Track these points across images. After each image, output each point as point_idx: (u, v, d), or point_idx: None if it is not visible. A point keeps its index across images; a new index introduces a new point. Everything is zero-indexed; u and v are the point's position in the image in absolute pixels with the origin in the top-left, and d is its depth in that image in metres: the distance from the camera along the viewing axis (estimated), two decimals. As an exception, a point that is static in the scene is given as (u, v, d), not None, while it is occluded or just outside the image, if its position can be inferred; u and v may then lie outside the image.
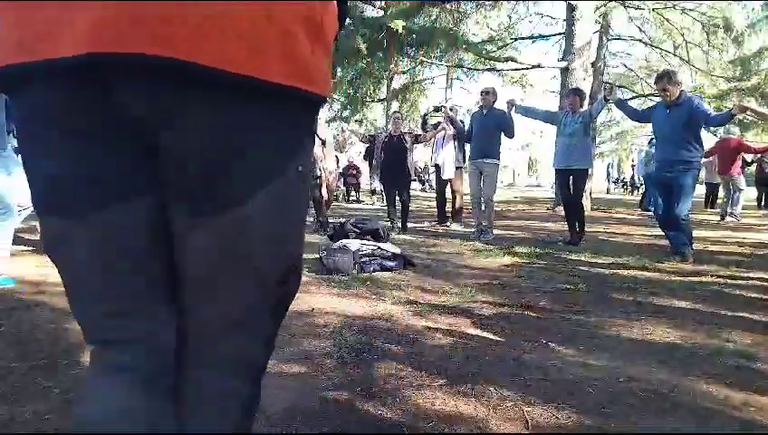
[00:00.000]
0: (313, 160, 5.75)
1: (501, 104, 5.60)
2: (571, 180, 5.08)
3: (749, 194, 11.19)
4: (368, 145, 6.54)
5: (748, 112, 4.16)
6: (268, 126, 0.62)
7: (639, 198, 12.31)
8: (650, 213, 9.51)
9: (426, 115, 6.99)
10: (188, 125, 0.58)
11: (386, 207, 6.76)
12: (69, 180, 0.61)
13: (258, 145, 0.62)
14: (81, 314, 0.70)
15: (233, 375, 0.72)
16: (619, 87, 14.94)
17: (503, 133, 5.50)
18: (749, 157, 9.68)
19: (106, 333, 0.69)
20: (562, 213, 7.23)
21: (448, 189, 6.92)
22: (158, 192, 0.64)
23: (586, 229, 5.25)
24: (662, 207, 4.25)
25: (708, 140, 4.46)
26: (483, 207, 5.63)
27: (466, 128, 6.11)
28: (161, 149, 0.61)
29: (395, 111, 7.33)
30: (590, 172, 5.42)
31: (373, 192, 13.85)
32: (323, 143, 5.86)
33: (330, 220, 6.02)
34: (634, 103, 16.90)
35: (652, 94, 13.05)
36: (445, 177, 6.66)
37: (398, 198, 6.33)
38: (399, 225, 6.21)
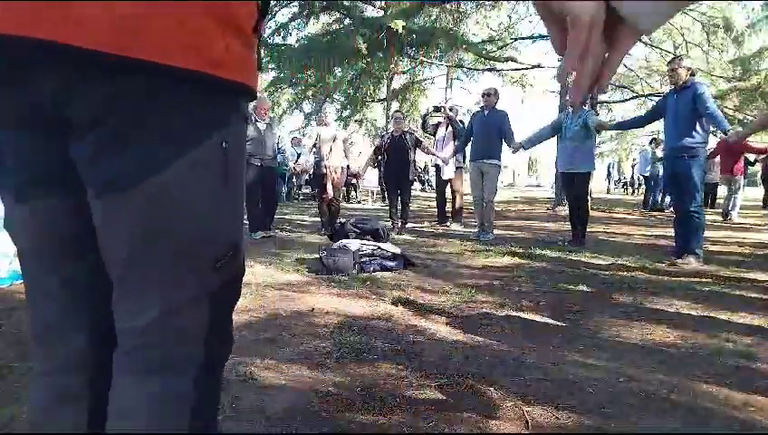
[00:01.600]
0: (319, 159, 5.77)
1: (502, 105, 5.62)
2: (574, 182, 5.09)
3: (755, 194, 11.21)
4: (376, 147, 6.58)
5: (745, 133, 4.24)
6: (176, 102, 0.63)
7: (641, 198, 12.31)
8: (655, 213, 9.57)
9: (426, 115, 6.99)
10: (87, 102, 0.60)
11: (385, 207, 6.76)
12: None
13: (167, 117, 0.63)
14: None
15: (167, 375, 0.68)
16: (619, 87, 14.97)
17: (502, 138, 5.50)
18: (752, 157, 9.68)
19: (34, 327, 0.72)
20: (562, 213, 7.25)
21: (448, 190, 6.93)
22: (77, 185, 0.66)
23: (586, 230, 5.24)
24: (676, 203, 4.24)
25: (709, 140, 4.45)
26: (483, 207, 5.64)
27: (466, 127, 6.11)
28: (70, 129, 0.62)
29: (396, 111, 7.33)
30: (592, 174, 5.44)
31: (373, 192, 13.85)
32: (333, 141, 5.86)
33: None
34: (633, 103, 16.94)
35: (652, 94, 13.07)
36: (445, 177, 6.67)
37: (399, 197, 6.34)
38: (399, 224, 6.21)
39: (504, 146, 5.60)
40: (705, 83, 4.39)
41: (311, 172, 5.99)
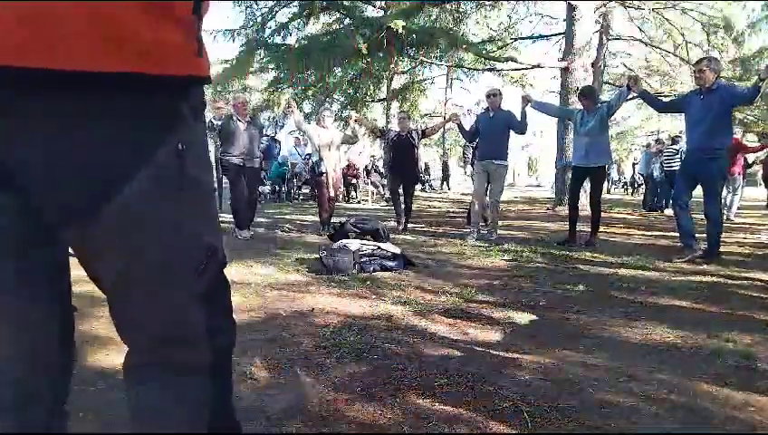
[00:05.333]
0: (320, 159, 5.77)
1: (505, 105, 5.63)
2: (588, 179, 5.08)
3: (756, 194, 11.20)
4: (379, 138, 6.55)
5: None
6: (106, 113, 0.58)
7: (641, 198, 12.30)
8: (655, 213, 9.56)
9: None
10: (22, 131, 0.55)
11: (385, 207, 6.75)
12: None
13: (105, 133, 0.57)
14: None
15: (181, 379, 0.70)
16: (619, 87, 14.96)
17: (514, 132, 5.50)
18: (750, 157, 9.68)
19: None
20: (563, 213, 7.24)
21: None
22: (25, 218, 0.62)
23: (585, 230, 5.23)
24: (686, 202, 4.23)
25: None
26: (487, 208, 5.65)
27: (471, 127, 6.11)
28: (13, 165, 0.58)
29: (401, 111, 7.34)
30: (607, 169, 5.41)
31: (373, 193, 13.85)
32: (331, 143, 5.86)
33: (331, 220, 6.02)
34: (632, 104, 16.94)
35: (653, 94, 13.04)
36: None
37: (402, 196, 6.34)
38: (406, 225, 6.22)
39: (509, 145, 5.61)
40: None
41: (308, 174, 5.99)
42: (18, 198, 0.61)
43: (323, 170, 5.79)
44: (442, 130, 18.93)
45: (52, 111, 0.55)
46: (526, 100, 5.40)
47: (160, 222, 0.64)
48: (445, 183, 20.96)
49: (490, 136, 5.55)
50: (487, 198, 5.71)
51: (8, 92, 0.54)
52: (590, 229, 5.15)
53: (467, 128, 6.10)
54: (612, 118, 5.65)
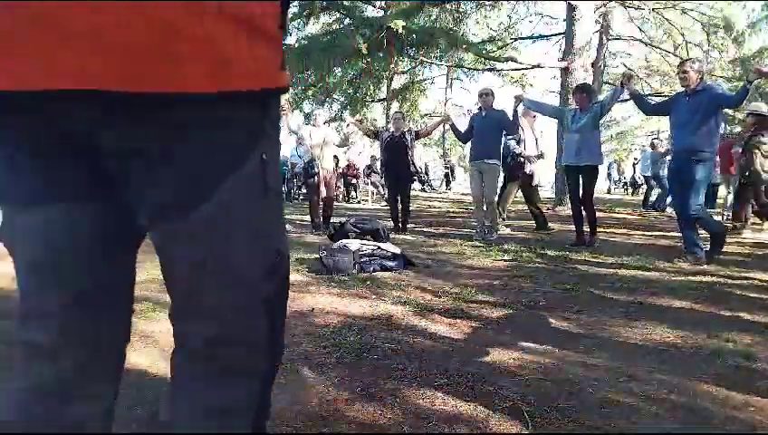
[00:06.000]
0: (312, 160, 5.78)
1: (499, 104, 5.62)
2: (580, 179, 5.04)
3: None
4: (374, 139, 6.55)
5: (764, 77, 4.00)
6: (208, 126, 0.62)
7: (641, 198, 12.29)
8: (655, 213, 9.56)
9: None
10: (127, 137, 0.61)
11: (385, 207, 6.75)
12: (10, 178, 0.67)
13: (201, 144, 0.62)
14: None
15: (233, 382, 0.71)
16: (613, 86, 14.97)
17: (505, 132, 5.50)
18: None
19: (20, 333, 0.70)
20: (563, 213, 7.24)
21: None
22: (109, 208, 0.67)
23: (586, 230, 5.23)
24: (680, 205, 4.22)
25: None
26: (485, 208, 5.65)
27: (466, 128, 6.11)
28: (110, 162, 0.64)
29: (396, 112, 7.33)
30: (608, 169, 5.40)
31: (373, 193, 13.85)
32: (324, 142, 5.87)
33: (330, 220, 6.02)
34: (632, 104, 16.93)
35: (652, 95, 13.06)
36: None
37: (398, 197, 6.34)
38: (401, 225, 6.22)
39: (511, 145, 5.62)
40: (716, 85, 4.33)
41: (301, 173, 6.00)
42: (112, 203, 0.68)
43: (316, 171, 5.79)
44: (441, 130, 18.97)
45: (160, 124, 0.60)
46: (518, 99, 5.40)
47: (242, 224, 0.68)
48: (445, 184, 20.98)
49: (482, 136, 5.55)
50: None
51: (122, 112, 0.59)
52: (588, 230, 5.13)
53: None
54: (612, 118, 5.64)
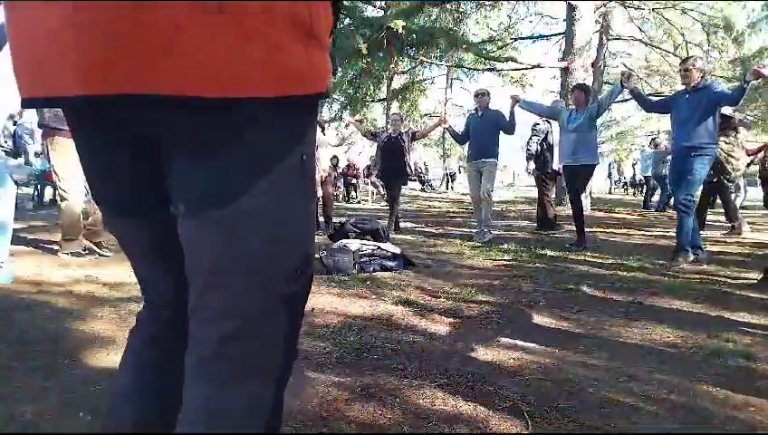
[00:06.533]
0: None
1: (497, 105, 5.65)
2: (579, 178, 5.03)
3: (756, 194, 11.19)
4: (372, 140, 6.56)
5: (762, 78, 3.92)
6: (260, 126, 0.65)
7: (642, 197, 12.29)
8: (655, 212, 9.56)
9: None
10: (179, 135, 0.64)
11: (385, 208, 6.74)
12: (98, 180, 0.78)
13: (250, 142, 0.65)
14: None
15: (247, 382, 0.71)
16: (612, 85, 14.97)
17: (502, 132, 5.51)
18: (748, 159, 9.66)
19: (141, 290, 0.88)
20: (563, 213, 7.24)
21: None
22: (166, 202, 0.72)
23: (586, 230, 5.22)
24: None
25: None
26: (482, 206, 5.65)
27: (463, 129, 6.10)
28: (162, 155, 0.68)
29: (394, 113, 7.33)
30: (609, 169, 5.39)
31: (373, 193, 13.85)
32: (319, 142, 5.87)
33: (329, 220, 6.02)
34: (632, 104, 16.91)
35: (651, 95, 13.05)
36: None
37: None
38: (403, 224, 6.21)
39: (504, 145, 5.61)
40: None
41: None
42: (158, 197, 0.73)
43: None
44: (441, 130, 18.95)
45: (215, 123, 0.63)
46: (515, 100, 5.41)
47: (278, 222, 0.69)
48: (447, 185, 20.99)
49: (479, 136, 5.57)
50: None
51: (184, 114, 0.62)
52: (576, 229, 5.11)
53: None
54: (612, 118, 5.65)
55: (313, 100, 0.71)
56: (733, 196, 8.49)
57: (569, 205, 5.66)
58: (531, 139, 6.19)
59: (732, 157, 5.97)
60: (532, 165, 6.23)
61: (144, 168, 0.72)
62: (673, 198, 4.77)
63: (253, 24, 0.60)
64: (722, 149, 5.84)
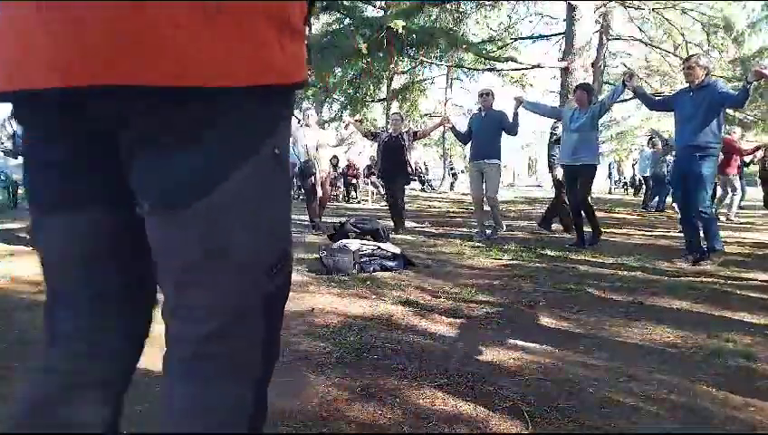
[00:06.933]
0: (307, 160, 5.77)
1: (498, 105, 5.65)
2: (578, 178, 5.01)
3: (755, 194, 11.20)
4: (372, 140, 6.56)
5: (763, 79, 3.92)
6: (229, 117, 0.63)
7: (641, 198, 12.29)
8: (655, 212, 9.56)
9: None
10: (142, 126, 0.62)
11: (384, 206, 6.75)
12: (41, 179, 0.70)
13: (219, 134, 0.62)
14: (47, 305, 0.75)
15: (227, 382, 0.69)
16: (614, 85, 14.97)
17: (505, 132, 5.51)
18: (747, 158, 9.67)
19: (50, 327, 0.74)
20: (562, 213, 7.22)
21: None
22: (123, 201, 0.68)
23: (585, 230, 5.22)
24: (682, 203, 4.19)
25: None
26: (485, 208, 5.65)
27: (466, 129, 6.11)
28: (123, 150, 0.65)
29: (394, 113, 7.34)
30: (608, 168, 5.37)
31: (373, 193, 13.85)
32: (318, 142, 5.87)
33: (329, 220, 6.02)
34: (632, 104, 16.95)
35: (651, 95, 13.05)
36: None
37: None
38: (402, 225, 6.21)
39: (504, 146, 5.61)
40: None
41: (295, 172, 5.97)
42: (117, 206, 0.69)
43: (313, 171, 5.79)
44: (442, 130, 18.96)
45: (182, 115, 0.61)
46: (518, 101, 5.40)
47: (249, 217, 0.66)
48: (450, 185, 21.00)
49: (482, 136, 5.57)
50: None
51: (147, 105, 0.60)
52: (591, 230, 5.12)
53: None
54: (612, 118, 5.64)
55: (288, 91, 0.69)
56: (730, 195, 8.50)
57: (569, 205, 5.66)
58: (552, 144, 6.09)
59: None
60: (560, 171, 5.98)
61: (101, 164, 0.68)
62: (670, 198, 4.76)
63: (223, 10, 0.58)
64: None
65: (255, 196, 0.66)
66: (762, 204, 11.14)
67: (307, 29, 0.74)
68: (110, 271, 0.73)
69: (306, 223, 6.10)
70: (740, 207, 8.70)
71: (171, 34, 0.56)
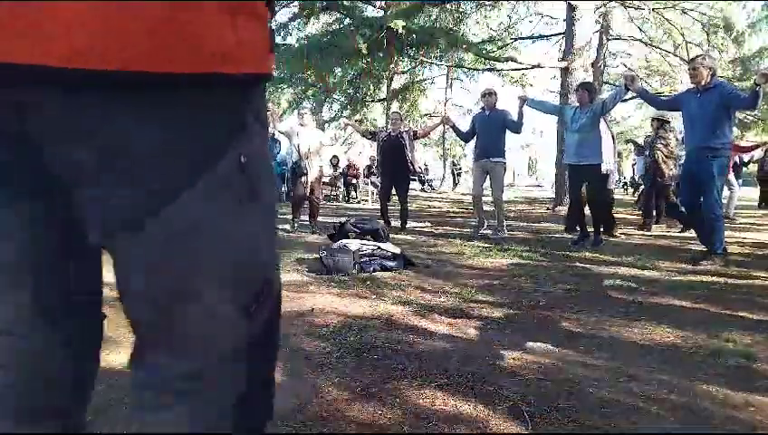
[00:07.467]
0: (299, 159, 5.76)
1: (499, 105, 5.65)
2: (585, 179, 4.99)
3: (754, 194, 11.20)
4: (371, 140, 6.57)
5: None
6: (171, 116, 0.51)
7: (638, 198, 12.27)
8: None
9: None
10: (67, 128, 0.49)
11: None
12: None
13: (161, 139, 0.50)
14: None
15: (209, 415, 0.61)
16: (617, 87, 14.97)
17: (509, 131, 5.52)
18: (746, 157, 9.67)
19: None
20: (563, 213, 7.23)
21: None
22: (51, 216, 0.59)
23: (586, 229, 5.22)
24: (689, 203, 4.18)
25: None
26: (485, 207, 5.67)
27: (468, 128, 6.12)
28: (47, 156, 0.53)
29: (394, 111, 7.34)
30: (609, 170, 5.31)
31: (373, 193, 13.85)
32: (311, 141, 5.87)
33: (329, 220, 6.01)
34: (632, 104, 16.91)
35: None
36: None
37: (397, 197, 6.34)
38: (396, 223, 6.21)
39: (506, 145, 5.63)
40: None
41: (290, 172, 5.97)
42: (53, 207, 0.58)
43: (304, 171, 5.80)
44: (441, 130, 18.96)
45: (109, 112, 0.49)
46: (522, 99, 5.42)
47: (211, 244, 0.55)
48: (452, 181, 21.00)
49: (487, 135, 5.58)
50: (488, 198, 5.72)
51: (61, 97, 0.48)
52: (593, 229, 5.09)
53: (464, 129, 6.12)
54: (612, 118, 5.63)
55: (249, 83, 0.57)
56: (728, 192, 8.49)
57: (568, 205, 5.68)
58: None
59: (668, 160, 6.10)
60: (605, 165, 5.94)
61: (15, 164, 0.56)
62: (679, 199, 4.74)
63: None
64: (661, 152, 6.04)
65: (219, 216, 0.54)
66: (755, 204, 11.15)
67: (270, 13, 0.62)
68: (44, 278, 0.63)
69: (306, 223, 6.09)
70: (735, 207, 8.68)
71: (81, 9, 0.45)
